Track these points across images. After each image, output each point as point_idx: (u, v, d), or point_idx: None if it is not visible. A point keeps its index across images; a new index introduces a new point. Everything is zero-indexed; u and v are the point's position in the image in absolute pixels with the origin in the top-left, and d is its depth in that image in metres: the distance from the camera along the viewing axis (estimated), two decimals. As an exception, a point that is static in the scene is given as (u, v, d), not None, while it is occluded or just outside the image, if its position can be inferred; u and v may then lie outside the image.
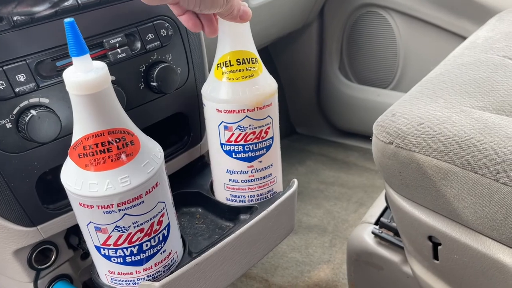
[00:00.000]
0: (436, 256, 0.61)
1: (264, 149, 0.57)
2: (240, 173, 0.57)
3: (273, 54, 1.57)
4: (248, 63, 0.53)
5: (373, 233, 0.75)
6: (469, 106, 0.60)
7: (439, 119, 0.56)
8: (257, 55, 0.54)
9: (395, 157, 0.57)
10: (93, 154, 0.41)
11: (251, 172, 0.57)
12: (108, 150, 0.42)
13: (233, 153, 0.56)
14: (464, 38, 1.17)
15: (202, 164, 0.70)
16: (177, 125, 0.65)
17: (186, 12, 0.47)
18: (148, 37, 0.55)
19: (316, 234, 1.16)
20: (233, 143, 0.56)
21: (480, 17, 1.09)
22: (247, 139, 0.55)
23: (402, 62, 1.34)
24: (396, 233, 0.74)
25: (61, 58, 0.49)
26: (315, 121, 1.62)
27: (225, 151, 0.57)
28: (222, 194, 0.61)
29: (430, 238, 0.60)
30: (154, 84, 0.56)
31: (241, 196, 0.59)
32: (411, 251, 0.67)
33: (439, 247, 0.59)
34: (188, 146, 0.66)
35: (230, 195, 0.60)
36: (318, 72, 1.52)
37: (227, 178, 0.59)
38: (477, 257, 0.55)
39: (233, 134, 0.55)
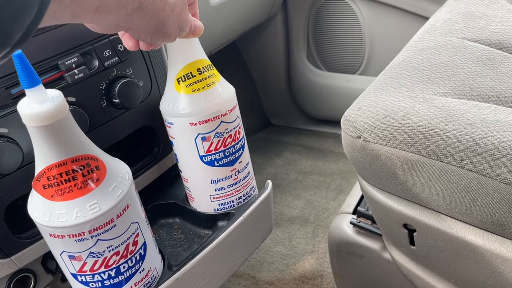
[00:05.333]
0: (412, 242, 0.62)
1: (241, 149, 0.58)
2: (225, 179, 0.57)
3: (241, 49, 1.56)
4: (207, 70, 0.53)
5: (351, 223, 0.76)
6: (431, 93, 0.61)
7: (403, 110, 0.56)
8: (209, 61, 0.55)
9: (364, 151, 0.58)
10: (58, 184, 0.41)
11: (235, 175, 0.58)
12: (74, 178, 0.41)
13: (216, 162, 0.56)
14: (425, 18, 1.18)
15: (176, 173, 0.69)
16: (146, 138, 0.64)
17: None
18: (105, 54, 0.54)
19: (299, 226, 1.17)
20: (213, 152, 0.55)
21: (439, -3, 1.10)
22: (226, 143, 0.55)
23: (369, 47, 1.35)
24: (373, 221, 0.75)
25: (16, 85, 0.48)
26: (289, 112, 1.62)
27: (206, 163, 0.56)
28: (208, 207, 0.60)
29: (405, 225, 0.61)
30: (117, 100, 0.55)
31: (230, 201, 0.59)
32: (388, 239, 0.68)
33: (415, 234, 0.60)
34: (159, 158, 0.65)
35: (218, 204, 0.59)
36: (287, 62, 1.52)
37: (212, 189, 0.58)
38: (451, 241, 0.56)
39: (212, 143, 0.55)
